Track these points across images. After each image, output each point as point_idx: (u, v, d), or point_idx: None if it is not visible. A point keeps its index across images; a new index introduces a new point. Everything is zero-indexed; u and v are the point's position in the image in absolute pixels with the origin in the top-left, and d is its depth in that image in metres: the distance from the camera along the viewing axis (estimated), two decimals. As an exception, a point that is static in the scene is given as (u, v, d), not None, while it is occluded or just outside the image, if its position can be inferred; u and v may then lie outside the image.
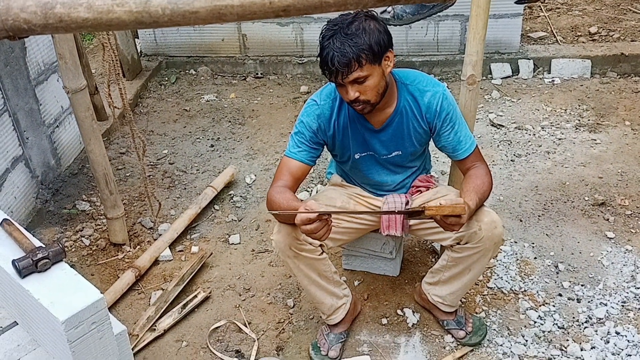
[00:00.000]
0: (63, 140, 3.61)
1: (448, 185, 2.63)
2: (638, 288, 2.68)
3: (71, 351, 1.65)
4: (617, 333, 2.48)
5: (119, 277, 2.82)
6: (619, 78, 4.52)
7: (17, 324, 1.91)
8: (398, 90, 2.20)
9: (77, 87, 2.62)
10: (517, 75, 4.63)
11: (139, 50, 4.94)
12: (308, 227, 1.90)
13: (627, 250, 2.90)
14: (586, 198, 3.27)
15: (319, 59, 2.02)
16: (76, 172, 3.64)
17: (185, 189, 3.55)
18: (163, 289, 2.79)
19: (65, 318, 1.61)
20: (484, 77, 4.60)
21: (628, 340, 2.44)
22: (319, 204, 1.98)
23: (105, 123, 4.05)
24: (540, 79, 4.58)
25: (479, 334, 2.46)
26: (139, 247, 3.07)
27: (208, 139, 4.05)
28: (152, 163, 3.79)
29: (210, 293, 2.78)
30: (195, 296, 2.73)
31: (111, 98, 2.77)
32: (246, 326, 2.61)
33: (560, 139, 3.82)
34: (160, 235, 3.09)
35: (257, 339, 2.54)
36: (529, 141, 3.82)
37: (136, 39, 4.98)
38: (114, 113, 3.02)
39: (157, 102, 4.57)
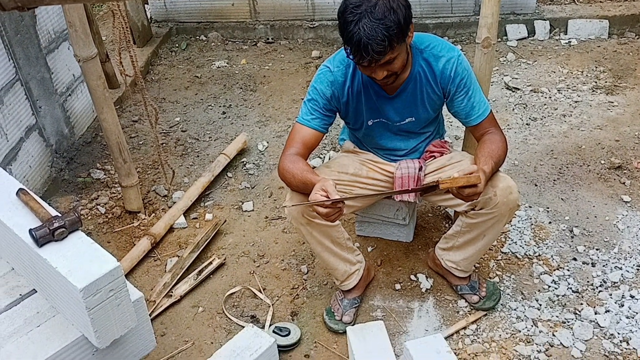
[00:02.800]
0: (76, 109, 3.61)
1: (462, 150, 2.61)
2: (654, 252, 2.67)
3: (90, 318, 1.67)
4: (632, 296, 2.47)
5: (134, 245, 2.85)
6: (637, 38, 4.42)
7: (36, 291, 1.94)
8: (412, 55, 2.16)
9: (88, 55, 2.61)
10: (533, 36, 4.54)
11: (148, 17, 4.89)
12: (321, 210, 1.92)
13: (643, 214, 2.88)
14: (602, 161, 3.24)
15: (345, 44, 1.94)
16: (90, 141, 3.66)
17: (198, 156, 3.55)
18: (178, 256, 2.82)
19: (83, 286, 1.63)
20: (499, 39, 4.52)
21: (643, 304, 2.44)
22: (333, 182, 1.94)
23: (117, 91, 4.04)
24: (557, 40, 4.49)
25: (492, 299, 2.47)
26: (153, 214, 3.09)
27: (220, 106, 4.04)
28: (164, 131, 3.79)
29: (224, 260, 2.80)
30: (210, 263, 2.76)
31: (122, 66, 2.76)
32: (261, 292, 2.64)
33: (576, 102, 3.76)
34: (175, 203, 3.11)
35: (272, 305, 2.57)
36: (545, 104, 3.77)
37: (146, 5, 4.93)
38: (126, 81, 3.01)
39: (168, 69, 4.55)
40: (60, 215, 1.79)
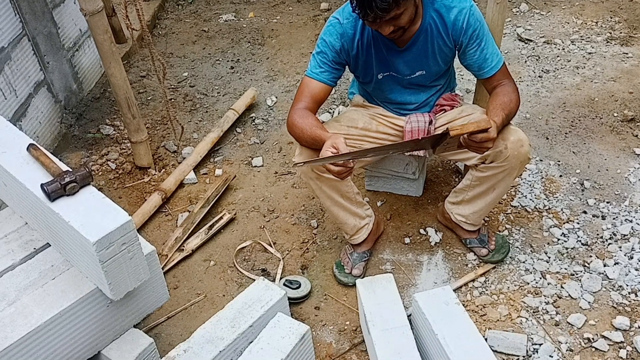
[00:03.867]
0: (84, 64, 3.59)
1: (473, 103, 2.58)
2: (665, 205, 2.66)
3: (103, 271, 1.71)
4: (642, 249, 2.48)
5: (146, 200, 2.87)
6: (655, -13, 4.29)
7: (50, 245, 1.97)
8: (423, 6, 2.11)
9: (94, 9, 2.57)
10: (547, -14, 4.42)
11: (154, -31, 4.80)
12: (332, 168, 1.91)
13: (655, 166, 2.85)
14: (615, 114, 3.19)
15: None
16: (98, 96, 3.65)
17: (206, 112, 3.54)
18: (189, 211, 2.84)
19: (96, 239, 1.65)
20: (512, -11, 4.41)
21: (652, 257, 2.44)
22: (343, 139, 1.92)
23: (124, 46, 4.00)
24: (572, -11, 4.37)
25: (501, 252, 2.49)
26: (164, 170, 3.10)
27: (228, 61, 4.00)
28: (172, 86, 3.77)
29: (235, 215, 2.82)
30: (221, 218, 2.78)
31: (129, 20, 2.72)
32: (271, 246, 2.66)
33: (590, 53, 3.69)
34: (184, 158, 3.12)
35: (282, 258, 2.60)
36: (558, 56, 3.70)
37: (151, -42, 4.82)
38: (133, 35, 2.97)
39: (175, 23, 4.49)
40: (71, 170, 1.81)
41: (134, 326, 2.03)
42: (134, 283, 1.81)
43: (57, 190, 1.75)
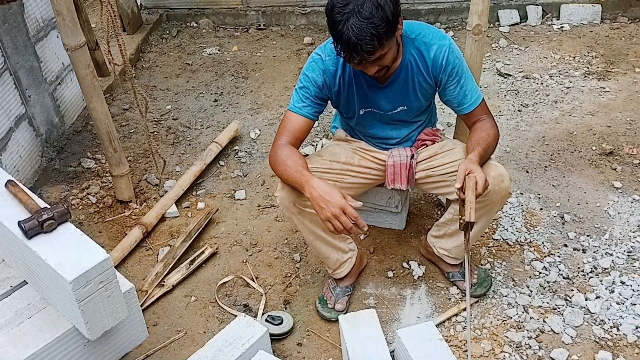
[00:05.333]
0: (66, 98, 3.58)
1: (454, 137, 2.60)
2: (644, 238, 2.68)
3: (80, 310, 1.68)
4: (622, 282, 2.49)
5: (126, 234, 2.84)
6: (630, 23, 4.41)
7: (27, 283, 1.94)
8: (403, 44, 2.14)
9: (76, 44, 2.58)
10: (526, 22, 4.53)
11: (139, 3, 4.84)
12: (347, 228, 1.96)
13: (634, 199, 2.88)
14: (594, 147, 3.24)
15: (335, 42, 1.93)
16: (80, 130, 3.63)
17: (189, 144, 3.54)
18: (170, 245, 2.81)
19: (72, 278, 1.63)
20: (491, 25, 4.50)
21: (633, 290, 2.45)
22: (340, 192, 1.98)
23: (107, 79, 4.01)
24: (549, 25, 4.48)
25: (484, 285, 2.48)
26: (145, 204, 3.08)
27: (211, 94, 4.02)
28: (155, 119, 3.77)
29: (217, 249, 2.80)
30: (203, 252, 2.75)
31: (111, 55, 2.73)
32: (253, 281, 2.64)
33: (568, 88, 3.76)
34: (166, 192, 3.10)
35: (265, 293, 2.57)
36: (537, 90, 3.76)
37: (135, -8, 4.87)
38: (114, 70, 2.98)
39: (158, 57, 4.52)
40: (49, 206, 1.79)
41: (112, 365, 1.99)
42: (111, 322, 1.78)
43: (34, 227, 1.73)
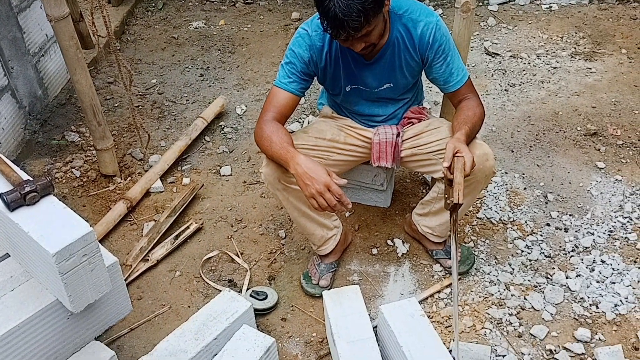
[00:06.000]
0: (49, 70, 3.53)
1: (440, 116, 2.60)
2: (625, 217, 2.72)
3: (63, 283, 1.67)
4: (603, 261, 2.53)
5: (110, 209, 2.82)
6: (617, 4, 4.41)
7: (9, 255, 1.93)
8: (391, 20, 2.12)
9: (60, 15, 2.53)
10: (514, 1, 4.50)
11: (124, -25, 4.75)
12: (331, 205, 1.95)
13: (616, 180, 2.91)
14: (578, 128, 3.26)
15: (321, 18, 1.91)
16: (64, 102, 3.58)
17: (175, 119, 3.51)
18: (155, 220, 2.80)
19: (55, 251, 1.62)
20: (480, 3, 4.48)
21: (613, 268, 2.49)
22: (326, 169, 1.98)
23: (91, 51, 3.95)
24: (538, 4, 4.46)
25: (467, 263, 2.51)
26: (129, 178, 3.06)
27: (197, 68, 3.98)
28: (140, 93, 3.72)
29: (202, 224, 2.80)
30: (188, 227, 2.75)
31: (95, 26, 2.69)
32: (238, 256, 2.64)
33: (555, 68, 3.76)
34: (151, 166, 3.08)
35: (250, 269, 2.58)
36: (524, 70, 3.77)
37: (121, -37, 4.78)
38: (98, 42, 2.93)
39: (144, 30, 4.45)
40: (31, 179, 1.77)
41: (96, 338, 1.98)
42: (95, 295, 1.77)
43: (16, 199, 1.71)
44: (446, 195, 2.01)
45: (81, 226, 1.67)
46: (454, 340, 2.24)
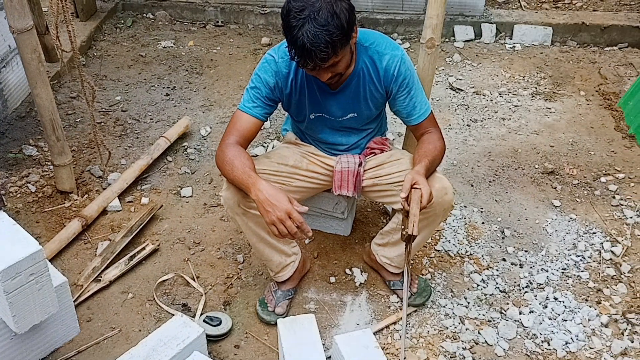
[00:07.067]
0: (10, 81, 3.46)
1: (403, 147, 2.63)
2: (579, 256, 2.77)
3: (8, 302, 1.62)
4: (555, 299, 2.56)
5: (65, 226, 2.75)
6: (578, 47, 4.57)
7: (-47, 272, 1.85)
8: (357, 52, 2.15)
9: (23, 27, 2.49)
10: (480, 39, 4.63)
11: (94, -10, 4.72)
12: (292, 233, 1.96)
13: (571, 218, 2.98)
14: (536, 166, 3.34)
15: (289, 47, 1.93)
16: (24, 115, 3.51)
17: (137, 138, 3.46)
18: (110, 240, 2.74)
19: (1, 269, 1.57)
20: (447, 40, 4.59)
21: (565, 306, 2.53)
22: (287, 196, 1.97)
23: (55, 65, 3.89)
24: (502, 44, 4.59)
25: (423, 295, 2.52)
26: (86, 196, 2.99)
27: (163, 88, 3.95)
28: (103, 109, 3.67)
29: (159, 246, 2.75)
30: (144, 248, 2.70)
31: (59, 41, 2.65)
32: (194, 280, 2.60)
33: (516, 106, 3.86)
34: (110, 184, 3.02)
35: (205, 293, 2.54)
36: (486, 106, 3.85)
37: (91, -22, 4.75)
38: (62, 56, 2.89)
39: (111, 46, 4.41)
40: (-19, 193, 1.72)
41: (40, 360, 1.93)
42: (40, 316, 1.72)
43: (-37, 214, 1.66)
44: (402, 227, 2.02)
45: (29, 244, 1.63)
46: (407, 372, 2.24)
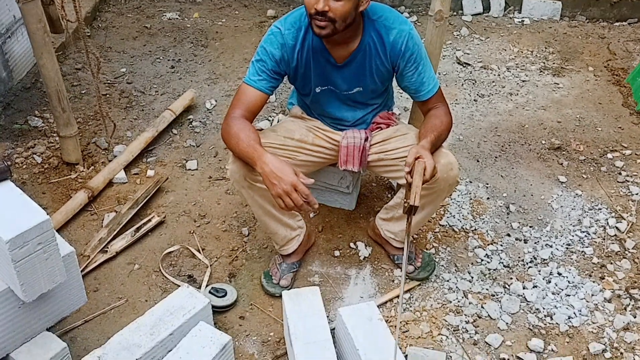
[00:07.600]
0: (15, 52, 3.44)
1: (409, 123, 2.62)
2: (583, 232, 2.77)
3: (16, 271, 1.63)
4: (559, 274, 2.58)
5: (71, 197, 2.77)
6: (587, 22, 4.51)
7: (-39, 241, 1.87)
8: (364, 25, 2.13)
9: (28, -4, 2.47)
10: (488, 12, 4.57)
11: (98, -40, 4.66)
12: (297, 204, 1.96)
13: (576, 194, 2.98)
14: (543, 141, 3.32)
15: None
16: (29, 86, 3.50)
17: (142, 110, 3.46)
18: (116, 211, 2.76)
19: (9, 237, 1.58)
20: (455, 13, 4.53)
21: (568, 281, 2.54)
22: (293, 169, 1.97)
23: (61, 36, 3.87)
24: (511, 18, 4.54)
25: (427, 269, 2.53)
26: (92, 167, 3.00)
27: (168, 60, 3.93)
28: (109, 81, 3.66)
29: (164, 218, 2.76)
30: (149, 220, 2.71)
31: (64, 11, 2.63)
32: (200, 252, 2.62)
33: (524, 81, 3.83)
34: (115, 156, 3.03)
35: (210, 265, 2.56)
36: (494, 81, 3.82)
37: (96, -52, 4.69)
38: (67, 27, 2.87)
39: (116, 17, 4.38)
40: (-12, 163, 1.72)
41: (48, 329, 1.94)
42: (48, 285, 1.74)
43: (-29, 184, 1.66)
44: (405, 199, 2.01)
45: (37, 214, 1.64)
46: (410, 345, 2.26)
